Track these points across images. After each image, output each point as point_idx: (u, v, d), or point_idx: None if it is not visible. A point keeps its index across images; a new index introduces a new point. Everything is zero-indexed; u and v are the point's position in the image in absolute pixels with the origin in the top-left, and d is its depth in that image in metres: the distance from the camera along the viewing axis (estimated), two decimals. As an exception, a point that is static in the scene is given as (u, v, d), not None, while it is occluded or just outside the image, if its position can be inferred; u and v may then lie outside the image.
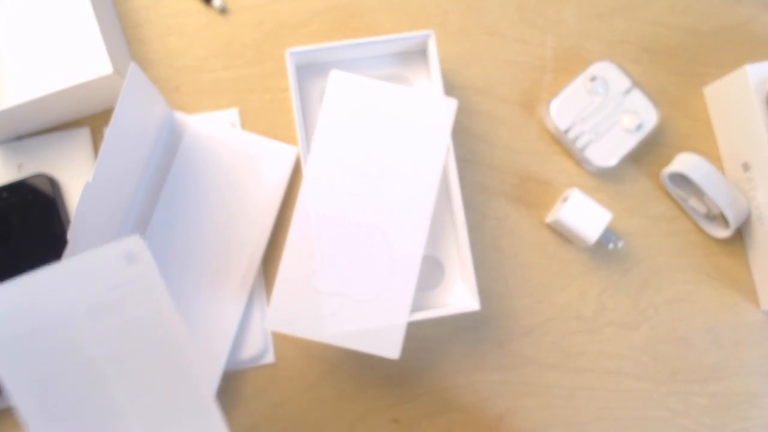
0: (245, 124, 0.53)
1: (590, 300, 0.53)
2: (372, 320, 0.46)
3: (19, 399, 0.37)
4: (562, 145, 0.54)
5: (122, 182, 0.47)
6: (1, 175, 0.51)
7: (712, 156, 0.54)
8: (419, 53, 0.53)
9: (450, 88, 0.54)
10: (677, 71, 0.56)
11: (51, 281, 0.37)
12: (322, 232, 0.47)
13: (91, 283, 0.37)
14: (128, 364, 0.37)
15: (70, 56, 0.48)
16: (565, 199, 0.51)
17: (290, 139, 0.53)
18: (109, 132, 0.42)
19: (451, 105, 0.49)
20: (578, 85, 0.52)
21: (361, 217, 0.47)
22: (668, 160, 0.53)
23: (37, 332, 0.37)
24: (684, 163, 0.51)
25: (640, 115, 0.52)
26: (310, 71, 0.52)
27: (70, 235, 0.40)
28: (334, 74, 0.49)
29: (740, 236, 0.54)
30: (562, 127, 0.52)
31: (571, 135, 0.52)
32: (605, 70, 0.52)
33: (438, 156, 0.48)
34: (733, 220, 0.50)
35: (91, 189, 0.41)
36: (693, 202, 0.53)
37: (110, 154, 0.43)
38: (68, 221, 0.51)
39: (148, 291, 0.38)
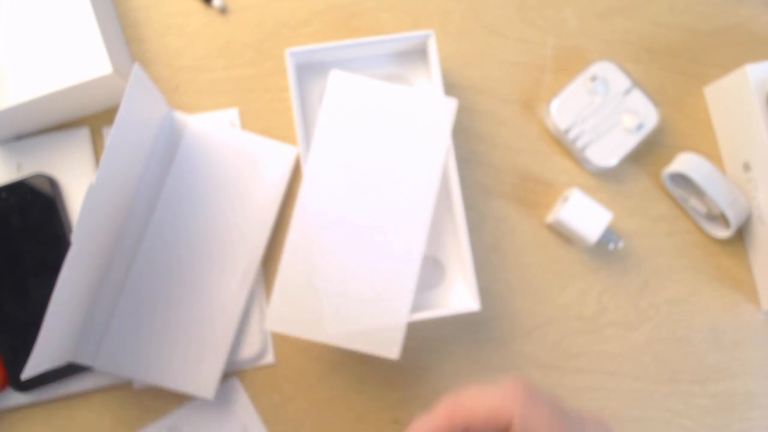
0: (245, 124, 0.53)
1: (591, 300, 0.53)
2: (372, 320, 0.46)
3: None
4: (562, 145, 0.54)
5: (124, 183, 0.47)
6: (0, 175, 0.51)
7: (713, 156, 0.54)
8: (419, 53, 0.53)
9: (450, 88, 0.54)
10: (677, 71, 0.56)
11: None
12: (322, 232, 0.47)
13: None
14: None
15: (70, 56, 0.48)
16: (565, 199, 0.51)
17: (290, 139, 0.53)
18: (112, 133, 0.42)
19: (451, 105, 0.49)
20: (578, 85, 0.52)
21: (361, 217, 0.47)
22: (668, 160, 0.53)
23: None
24: (684, 163, 0.51)
25: (640, 115, 0.52)
26: (310, 71, 0.52)
27: (74, 237, 0.40)
28: (334, 74, 0.49)
29: (741, 236, 0.54)
30: (563, 127, 0.52)
31: (572, 135, 0.52)
32: (605, 70, 0.52)
33: (438, 156, 0.48)
34: (734, 220, 0.50)
35: (94, 191, 0.41)
36: (693, 202, 0.53)
37: (113, 156, 0.43)
38: (68, 221, 0.51)
39: None
